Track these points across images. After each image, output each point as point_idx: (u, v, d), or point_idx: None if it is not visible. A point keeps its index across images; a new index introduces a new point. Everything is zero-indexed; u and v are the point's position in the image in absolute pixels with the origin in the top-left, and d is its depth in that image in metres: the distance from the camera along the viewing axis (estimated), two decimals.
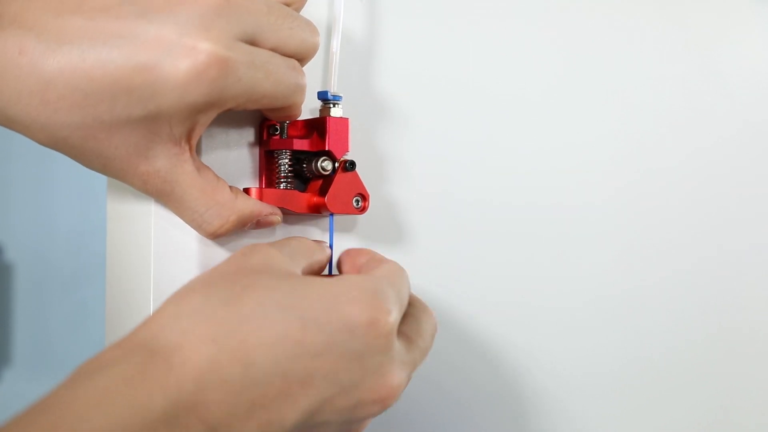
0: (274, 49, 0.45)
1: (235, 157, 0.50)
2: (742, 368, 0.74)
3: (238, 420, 0.40)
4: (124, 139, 0.43)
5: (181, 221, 0.48)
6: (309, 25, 0.47)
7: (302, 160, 0.51)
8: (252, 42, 0.44)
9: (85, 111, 0.42)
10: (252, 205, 0.48)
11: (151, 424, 0.38)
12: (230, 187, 0.48)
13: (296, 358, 0.41)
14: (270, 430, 0.41)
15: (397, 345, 0.45)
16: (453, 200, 0.60)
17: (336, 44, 0.53)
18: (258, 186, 0.51)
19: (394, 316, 0.44)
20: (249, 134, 0.51)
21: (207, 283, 0.43)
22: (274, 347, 0.41)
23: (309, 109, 0.52)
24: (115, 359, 0.40)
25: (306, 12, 0.49)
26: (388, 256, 0.56)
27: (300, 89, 0.47)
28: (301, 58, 0.47)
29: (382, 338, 0.43)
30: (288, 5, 0.47)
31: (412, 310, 0.48)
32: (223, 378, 0.40)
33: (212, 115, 0.45)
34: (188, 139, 0.45)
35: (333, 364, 0.42)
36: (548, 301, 0.64)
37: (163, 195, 0.46)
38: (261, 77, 0.44)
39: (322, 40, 0.51)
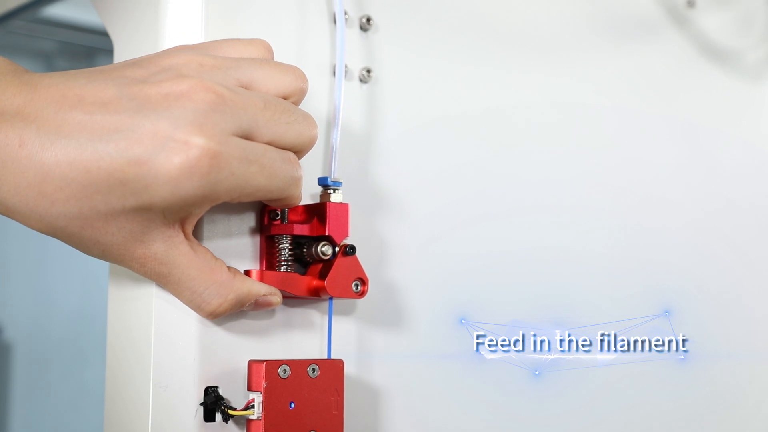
0: (270, 143, 0.46)
1: (236, 242, 0.51)
2: None
3: None
4: (120, 227, 0.44)
5: (181, 303, 0.48)
6: (307, 118, 0.47)
7: (303, 244, 0.52)
8: (248, 137, 0.45)
9: (81, 202, 0.43)
10: (250, 285, 0.49)
11: None
12: (228, 267, 0.48)
13: None
14: None
15: None
16: (452, 285, 0.60)
17: (336, 133, 0.54)
18: (259, 269, 0.52)
19: None
20: (250, 219, 0.52)
21: None
22: None
23: (309, 195, 0.53)
24: None
25: (306, 103, 0.50)
26: (386, 339, 0.57)
27: (295, 182, 0.47)
28: (299, 151, 0.47)
29: None
30: (286, 98, 0.48)
31: None
32: None
33: (206, 207, 0.46)
34: (182, 225, 0.46)
35: None
36: (550, 386, 0.64)
37: (161, 277, 0.47)
38: (255, 171, 0.45)
39: (322, 127, 0.52)
